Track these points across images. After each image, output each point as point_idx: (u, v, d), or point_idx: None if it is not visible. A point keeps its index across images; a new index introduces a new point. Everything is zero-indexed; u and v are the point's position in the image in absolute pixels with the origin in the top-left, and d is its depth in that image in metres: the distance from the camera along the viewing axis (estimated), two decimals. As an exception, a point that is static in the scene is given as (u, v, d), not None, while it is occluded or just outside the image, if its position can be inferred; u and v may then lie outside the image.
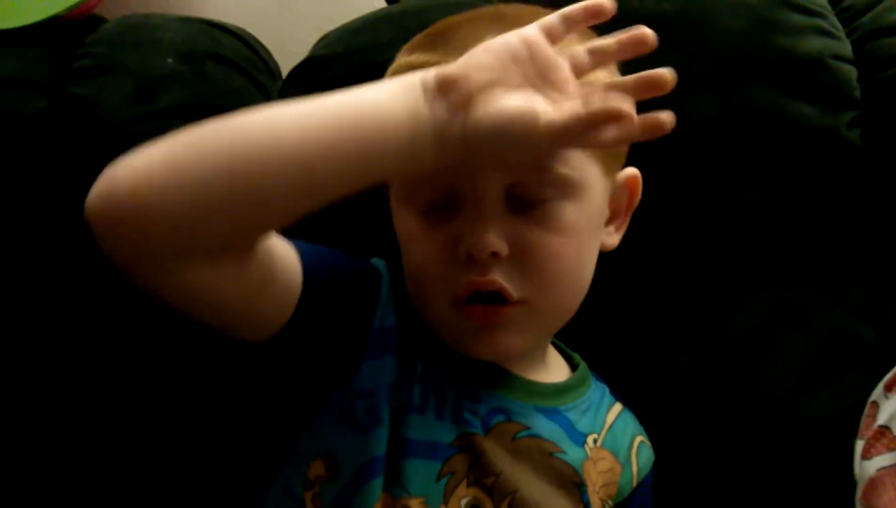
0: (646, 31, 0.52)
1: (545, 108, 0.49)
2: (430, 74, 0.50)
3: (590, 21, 0.53)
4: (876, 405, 0.66)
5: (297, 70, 0.85)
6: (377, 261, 0.64)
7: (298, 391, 0.60)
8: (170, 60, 0.81)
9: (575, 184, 0.58)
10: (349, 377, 0.58)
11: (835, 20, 0.84)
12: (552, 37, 0.51)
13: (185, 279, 0.48)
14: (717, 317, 0.79)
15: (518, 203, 0.57)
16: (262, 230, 0.50)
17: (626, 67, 0.65)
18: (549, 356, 0.68)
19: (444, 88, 0.50)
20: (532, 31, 0.51)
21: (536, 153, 0.54)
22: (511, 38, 0.51)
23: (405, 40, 0.65)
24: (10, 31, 0.84)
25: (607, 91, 0.50)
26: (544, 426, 0.63)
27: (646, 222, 0.69)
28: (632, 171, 0.66)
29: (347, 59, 0.82)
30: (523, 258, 0.57)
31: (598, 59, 0.52)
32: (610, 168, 0.62)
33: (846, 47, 0.83)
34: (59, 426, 0.77)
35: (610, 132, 0.49)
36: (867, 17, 0.85)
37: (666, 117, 0.50)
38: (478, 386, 0.62)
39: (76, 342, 0.77)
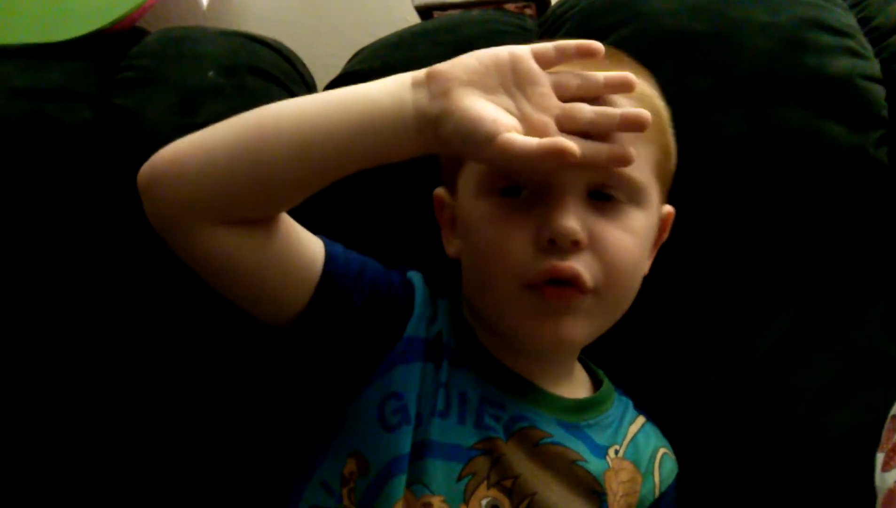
0: (630, 78, 0.57)
1: (509, 126, 0.54)
2: (423, 70, 0.57)
3: (581, 58, 0.57)
4: (896, 418, 0.67)
5: (335, 84, 0.87)
6: (413, 274, 0.67)
7: (326, 385, 0.63)
8: (211, 73, 0.83)
9: (644, 193, 0.63)
10: (373, 378, 0.62)
11: (863, 40, 0.85)
12: (542, 60, 0.57)
13: (211, 242, 0.57)
14: (744, 333, 0.79)
15: (596, 201, 0.61)
16: (275, 204, 0.58)
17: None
18: (575, 372, 0.70)
19: (430, 79, 0.56)
20: (522, 49, 0.57)
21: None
22: (501, 50, 0.57)
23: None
24: (55, 44, 0.86)
25: (585, 119, 0.56)
26: (567, 438, 0.64)
27: (674, 239, 0.71)
28: (669, 208, 0.69)
29: (384, 73, 0.83)
30: (598, 251, 0.60)
31: (585, 87, 0.57)
32: (662, 193, 0.66)
33: (875, 67, 0.83)
34: (80, 424, 0.78)
35: (556, 163, 0.55)
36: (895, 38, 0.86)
37: (629, 153, 0.57)
38: (503, 394, 0.64)
39: (108, 343, 0.79)
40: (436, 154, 0.68)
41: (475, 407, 0.62)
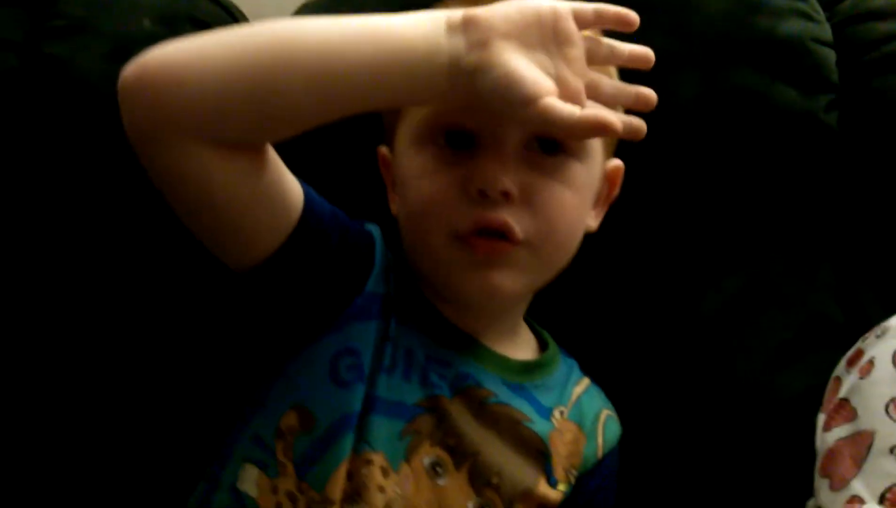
0: (651, 55, 0.57)
1: (550, 90, 0.52)
2: (458, 12, 0.53)
3: (617, 26, 0.57)
4: (839, 379, 0.67)
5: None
6: (372, 227, 0.65)
7: (275, 336, 0.61)
8: (146, 22, 0.79)
9: (584, 146, 0.62)
10: (328, 332, 0.59)
11: (815, 4, 0.85)
12: (580, 20, 0.55)
13: (195, 165, 0.52)
14: (691, 295, 0.79)
15: (533, 153, 0.60)
16: (275, 130, 0.54)
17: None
18: (520, 332, 0.69)
19: (467, 25, 0.53)
20: (565, 6, 0.55)
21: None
22: (543, 4, 0.54)
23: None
24: (-20, -10, 0.82)
25: (608, 93, 0.55)
26: (512, 398, 0.64)
27: (623, 199, 0.70)
28: (617, 162, 0.68)
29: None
30: (531, 203, 0.59)
31: (612, 56, 0.57)
32: (607, 148, 0.65)
33: (826, 31, 0.83)
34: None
35: (594, 135, 0.56)
36: (847, 3, 0.86)
37: (643, 126, 0.56)
38: (449, 351, 0.63)
39: (55, 302, 0.76)
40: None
41: (421, 364, 0.61)
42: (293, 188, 0.58)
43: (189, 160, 0.52)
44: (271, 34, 0.53)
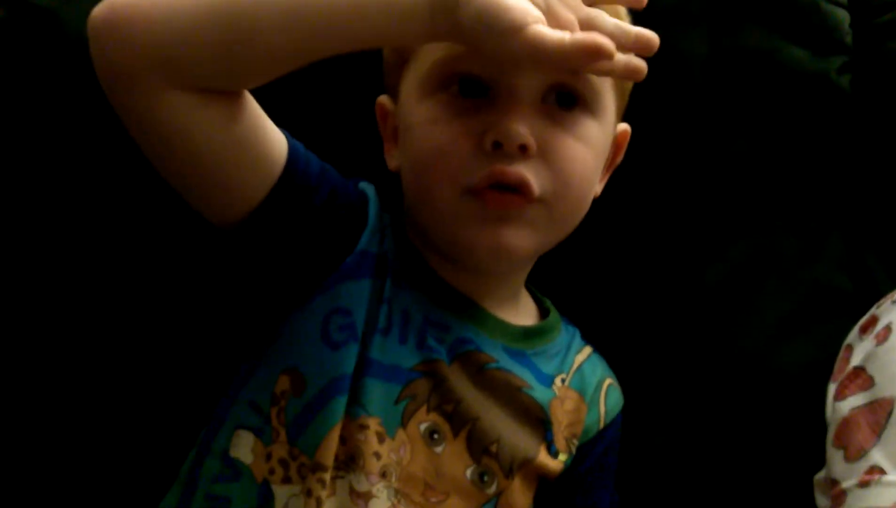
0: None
1: (538, 18, 0.50)
2: None
3: None
4: (850, 347, 0.66)
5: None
6: (365, 185, 0.62)
7: (265, 297, 0.59)
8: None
9: (600, 102, 0.59)
10: (320, 292, 0.57)
11: (829, -37, 0.82)
12: None
13: (170, 110, 0.50)
14: (696, 263, 0.78)
15: (549, 106, 0.57)
16: (249, 73, 0.52)
17: None
18: (521, 298, 0.67)
19: None
20: None
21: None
22: None
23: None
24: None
25: (605, 30, 0.51)
26: (513, 364, 0.62)
27: (626, 163, 0.67)
28: (625, 126, 0.66)
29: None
30: (547, 158, 0.57)
31: None
32: (619, 108, 0.63)
33: (840, -9, 0.81)
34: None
35: (588, 62, 0.51)
36: (861, -37, 0.83)
37: (644, 67, 0.54)
38: (448, 315, 0.61)
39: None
40: (383, 56, 0.63)
41: (418, 327, 0.59)
42: (275, 140, 0.55)
43: (161, 105, 0.50)
44: None
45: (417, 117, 0.58)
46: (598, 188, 0.64)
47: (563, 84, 0.57)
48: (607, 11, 0.54)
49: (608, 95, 0.60)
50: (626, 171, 0.68)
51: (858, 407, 0.59)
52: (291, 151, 0.56)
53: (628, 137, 0.66)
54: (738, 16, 0.77)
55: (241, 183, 0.54)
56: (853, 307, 0.74)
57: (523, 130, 0.55)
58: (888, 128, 0.79)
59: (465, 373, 0.60)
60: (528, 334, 0.64)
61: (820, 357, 0.71)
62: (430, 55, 0.57)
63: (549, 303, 0.69)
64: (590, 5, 0.53)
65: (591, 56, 0.50)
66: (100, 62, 0.51)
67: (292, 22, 0.50)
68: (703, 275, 0.77)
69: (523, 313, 0.66)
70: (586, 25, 0.52)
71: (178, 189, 0.55)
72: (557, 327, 0.67)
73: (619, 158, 0.67)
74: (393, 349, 0.58)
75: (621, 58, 0.52)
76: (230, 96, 0.52)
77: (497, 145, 0.55)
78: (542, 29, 0.49)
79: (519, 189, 0.56)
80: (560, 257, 0.65)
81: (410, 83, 0.60)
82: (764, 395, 0.75)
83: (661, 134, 0.76)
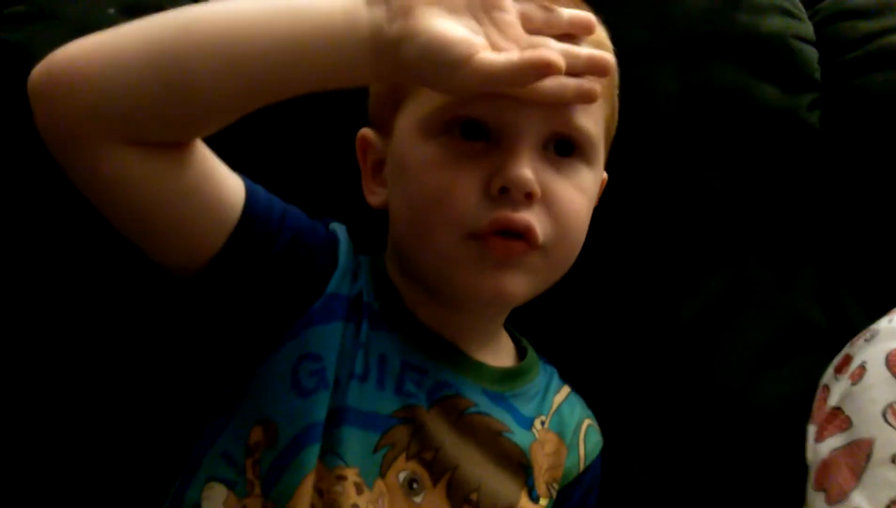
0: (592, 20, 0.55)
1: (482, 46, 0.50)
2: None
3: None
4: (827, 388, 0.66)
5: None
6: (336, 226, 0.61)
7: (234, 346, 0.58)
8: (111, 11, 0.76)
9: (595, 151, 0.59)
10: (288, 338, 0.56)
11: (797, 1, 0.84)
12: None
13: (114, 166, 0.49)
14: (671, 298, 0.78)
15: (549, 154, 0.57)
16: (193, 125, 0.51)
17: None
18: (500, 339, 0.67)
19: None
20: None
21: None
22: None
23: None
24: (-66, -27, 0.78)
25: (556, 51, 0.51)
26: (492, 408, 0.61)
27: (602, 199, 0.67)
28: (603, 174, 0.65)
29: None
30: (549, 205, 0.56)
31: (551, 22, 0.54)
32: (605, 156, 0.63)
33: (808, 29, 0.82)
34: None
35: (539, 83, 0.51)
36: (829, 1, 0.85)
37: (597, 90, 0.54)
38: (426, 358, 0.60)
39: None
40: (367, 88, 0.63)
41: (396, 372, 0.58)
42: (230, 186, 0.54)
43: (104, 161, 0.49)
44: (175, 19, 0.50)
45: (417, 159, 0.57)
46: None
47: (562, 133, 0.57)
48: (593, 41, 0.56)
49: (601, 144, 0.60)
50: (600, 208, 0.68)
51: (838, 449, 0.59)
52: (249, 196, 0.54)
53: (605, 183, 0.66)
54: (709, 53, 0.78)
55: (195, 233, 0.53)
56: (827, 342, 0.75)
57: (531, 175, 0.54)
58: (857, 164, 0.80)
59: (444, 418, 0.59)
60: (507, 375, 0.64)
61: (796, 391, 0.71)
62: (432, 97, 0.56)
63: (525, 342, 0.69)
64: (533, 34, 0.53)
65: (540, 72, 0.50)
66: (41, 121, 0.50)
67: (233, 72, 0.49)
68: (679, 310, 0.78)
69: (502, 354, 0.66)
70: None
71: (131, 240, 0.54)
72: (535, 367, 0.67)
73: (596, 202, 0.67)
74: (371, 395, 0.57)
75: (572, 81, 0.52)
76: (176, 147, 0.51)
77: (503, 190, 0.55)
78: (487, 55, 0.49)
79: (524, 236, 0.55)
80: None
81: (408, 122, 0.58)
82: (742, 430, 0.75)
83: (634, 170, 0.77)
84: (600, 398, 0.70)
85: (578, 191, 0.58)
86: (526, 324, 0.70)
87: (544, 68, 0.50)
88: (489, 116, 0.55)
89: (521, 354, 0.67)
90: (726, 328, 0.77)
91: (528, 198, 0.55)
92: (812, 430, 0.63)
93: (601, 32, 0.59)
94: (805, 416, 0.65)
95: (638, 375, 0.76)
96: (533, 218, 0.55)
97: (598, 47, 0.56)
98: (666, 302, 0.78)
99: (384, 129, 0.61)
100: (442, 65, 0.49)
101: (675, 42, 0.78)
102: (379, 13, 0.50)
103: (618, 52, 0.69)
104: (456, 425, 0.59)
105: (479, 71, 0.49)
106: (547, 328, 0.72)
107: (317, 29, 0.49)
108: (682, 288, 0.78)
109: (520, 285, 0.57)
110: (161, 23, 0.50)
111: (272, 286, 0.55)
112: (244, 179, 0.55)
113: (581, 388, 0.70)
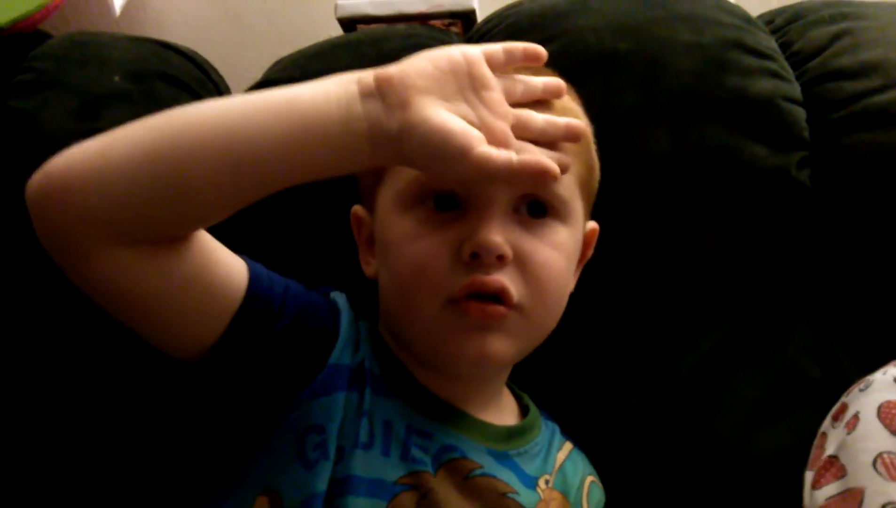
0: (562, 83, 0.59)
1: (481, 139, 0.52)
2: (368, 73, 0.52)
3: (527, 62, 0.57)
4: (825, 435, 0.66)
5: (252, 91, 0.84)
6: (337, 295, 0.63)
7: (240, 421, 0.58)
8: (116, 78, 0.79)
9: (569, 208, 0.61)
10: (293, 410, 0.57)
11: (784, 63, 0.86)
12: (492, 63, 0.54)
13: (112, 266, 0.50)
14: (668, 354, 0.78)
15: (521, 216, 0.59)
16: (191, 222, 0.52)
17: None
18: (502, 397, 0.67)
19: (380, 87, 0.51)
20: (475, 51, 0.54)
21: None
22: (454, 51, 0.53)
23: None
24: (-54, 43, 0.81)
25: (537, 128, 0.55)
26: (497, 468, 0.61)
27: (596, 257, 0.69)
28: (593, 224, 0.67)
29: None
30: (523, 266, 0.58)
31: (527, 91, 0.56)
32: (586, 209, 0.65)
33: (796, 89, 0.84)
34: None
35: (535, 180, 0.54)
36: (815, 62, 0.87)
37: (569, 162, 0.57)
38: (430, 422, 0.60)
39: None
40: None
41: (401, 437, 0.58)
42: (232, 271, 0.55)
43: (107, 265, 0.50)
44: (168, 123, 0.50)
45: (396, 233, 0.59)
46: (570, 284, 0.65)
47: (533, 195, 0.59)
48: (561, 105, 0.59)
49: (576, 201, 0.62)
50: (596, 266, 0.69)
51: (833, 497, 0.60)
52: (252, 276, 0.55)
53: (597, 234, 0.68)
54: (699, 115, 0.80)
55: (198, 320, 0.54)
56: (823, 394, 0.75)
57: (499, 239, 0.56)
58: (848, 220, 0.81)
59: (450, 482, 0.59)
60: (511, 434, 0.64)
61: (793, 444, 0.71)
62: (405, 172, 0.59)
63: (527, 399, 0.69)
64: (514, 105, 0.55)
65: (538, 176, 0.52)
66: (40, 228, 0.50)
67: (229, 170, 0.50)
68: (677, 366, 0.78)
69: (505, 412, 0.66)
70: (519, 129, 0.54)
71: (134, 332, 0.55)
72: (538, 424, 0.67)
73: (590, 253, 0.68)
74: (376, 462, 0.57)
75: (551, 155, 0.55)
76: (177, 241, 0.52)
77: (475, 256, 0.56)
78: (487, 151, 0.51)
79: (499, 296, 0.56)
80: (534, 350, 0.65)
81: (387, 198, 0.60)
82: (740, 483, 0.75)
83: (630, 229, 0.78)
84: (600, 453, 0.71)
85: (553, 249, 0.59)
86: (525, 381, 0.70)
87: (542, 174, 0.52)
88: (459, 188, 0.57)
89: (523, 410, 0.68)
90: (723, 383, 0.78)
91: (500, 260, 0.56)
92: (809, 476, 0.64)
93: (568, 99, 0.62)
94: (801, 467, 0.65)
95: (638, 430, 0.76)
96: (506, 279, 0.57)
97: (565, 112, 0.60)
98: (663, 358, 0.78)
99: (370, 204, 0.63)
100: (443, 156, 0.51)
101: (666, 105, 0.80)
102: (374, 107, 0.51)
103: (610, 116, 0.72)
104: (461, 487, 0.59)
105: (480, 166, 0.51)
106: (547, 385, 0.73)
107: (311, 126, 0.50)
108: (680, 344, 0.79)
109: (503, 346, 0.58)
110: (156, 125, 0.50)
111: (277, 363, 0.56)
112: (245, 259, 0.56)
113: (581, 444, 0.70)
